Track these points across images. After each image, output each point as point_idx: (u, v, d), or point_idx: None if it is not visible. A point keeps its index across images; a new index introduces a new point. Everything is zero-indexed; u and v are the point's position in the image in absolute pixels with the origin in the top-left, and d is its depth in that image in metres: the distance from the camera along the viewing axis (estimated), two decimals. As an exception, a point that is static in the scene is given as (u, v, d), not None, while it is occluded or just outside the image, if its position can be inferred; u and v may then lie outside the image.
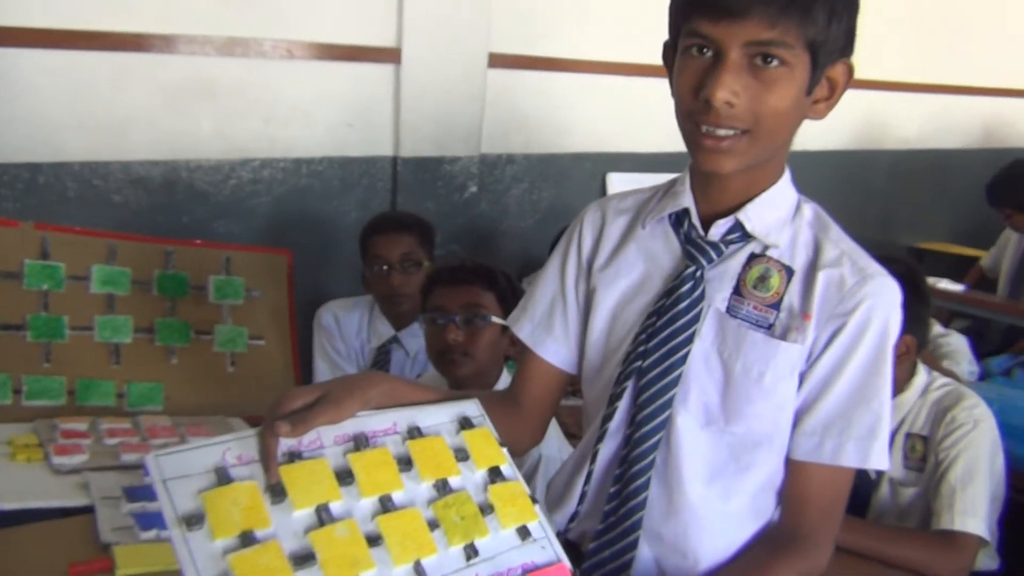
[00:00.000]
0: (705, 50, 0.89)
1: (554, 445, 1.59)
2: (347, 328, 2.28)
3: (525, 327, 1.12)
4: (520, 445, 1.10)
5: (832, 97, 0.94)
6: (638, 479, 1.01)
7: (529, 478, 1.24)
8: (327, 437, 0.87)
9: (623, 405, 1.02)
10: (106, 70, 2.13)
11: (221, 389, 2.12)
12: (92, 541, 1.39)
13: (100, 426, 1.77)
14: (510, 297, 1.66)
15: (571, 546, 1.01)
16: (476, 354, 1.66)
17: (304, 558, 0.78)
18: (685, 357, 0.99)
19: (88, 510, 1.47)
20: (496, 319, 1.67)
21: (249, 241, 2.38)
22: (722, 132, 0.90)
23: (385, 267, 2.14)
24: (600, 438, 1.04)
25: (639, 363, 1.01)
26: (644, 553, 1.02)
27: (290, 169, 2.47)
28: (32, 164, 2.07)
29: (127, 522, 1.42)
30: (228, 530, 0.77)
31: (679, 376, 0.99)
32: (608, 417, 1.03)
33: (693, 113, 0.91)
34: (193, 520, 0.76)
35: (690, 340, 0.99)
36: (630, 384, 1.02)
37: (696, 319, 0.99)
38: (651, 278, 1.03)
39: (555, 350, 1.11)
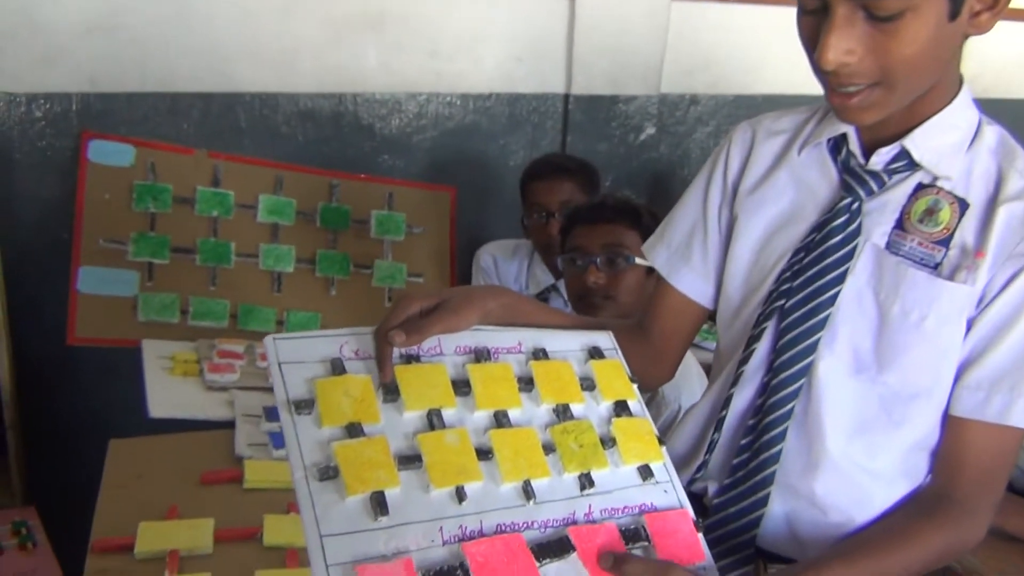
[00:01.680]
0: (814, 3, 0.83)
1: (697, 396, 1.53)
2: (505, 273, 2.31)
3: (660, 254, 1.09)
4: (646, 380, 1.07)
5: (997, 5, 0.83)
6: (773, 429, 0.96)
7: (665, 431, 1.21)
8: (447, 345, 0.87)
9: (762, 348, 0.98)
10: (275, 1, 2.23)
11: (377, 323, 2.22)
12: (228, 453, 1.50)
13: (255, 350, 1.91)
14: (656, 235, 1.62)
15: (695, 500, 0.99)
16: (618, 296, 1.62)
17: (410, 459, 0.79)
18: (835, 297, 0.94)
19: (229, 425, 1.58)
20: (640, 260, 1.61)
21: (413, 177, 2.44)
22: (850, 89, 0.84)
23: (544, 215, 2.12)
24: (734, 382, 1.00)
25: (782, 302, 0.96)
26: (775, 509, 0.98)
27: (457, 104, 2.50)
28: (206, 94, 2.22)
29: (262, 439, 1.53)
30: (336, 419, 0.78)
31: (826, 318, 0.94)
32: (744, 360, 0.99)
33: (817, 70, 0.85)
34: (303, 405, 0.78)
35: (841, 279, 0.93)
36: (770, 325, 0.97)
37: (850, 255, 0.93)
38: (802, 208, 0.98)
39: (691, 280, 1.07)
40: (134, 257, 2.08)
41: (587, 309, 1.64)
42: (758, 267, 1.00)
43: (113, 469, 1.46)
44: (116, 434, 1.57)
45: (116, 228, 2.06)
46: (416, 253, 2.37)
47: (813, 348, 0.94)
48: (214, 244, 2.15)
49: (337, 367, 0.82)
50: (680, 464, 1.02)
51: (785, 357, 0.96)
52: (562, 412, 0.89)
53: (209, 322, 2.09)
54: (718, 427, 1.02)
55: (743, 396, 1.01)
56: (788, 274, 0.96)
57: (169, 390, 1.72)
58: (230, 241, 2.16)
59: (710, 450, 1.03)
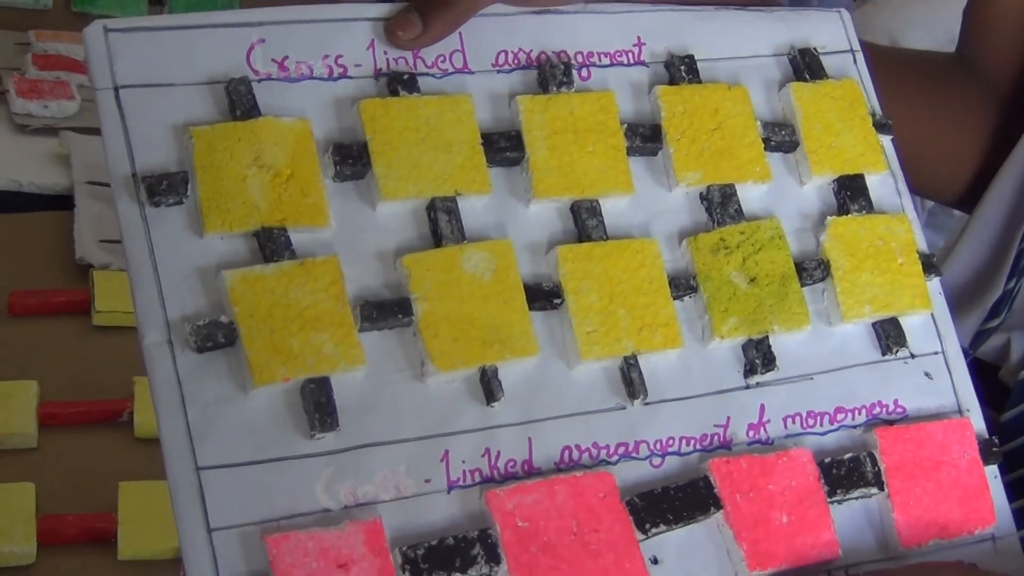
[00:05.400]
0: None
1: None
2: None
3: None
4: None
5: None
6: None
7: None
8: (478, 49, 0.77)
9: None
10: None
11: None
12: (62, 256, 1.46)
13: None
14: None
15: (983, 372, 0.91)
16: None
17: (386, 307, 0.69)
18: None
19: (63, 203, 1.55)
20: None
21: None
22: None
23: None
24: None
25: None
26: None
27: None
28: None
29: (125, 230, 1.53)
30: (235, 217, 0.69)
31: None
32: None
33: None
34: (164, 184, 0.67)
35: None
36: None
37: None
38: None
39: None
40: None
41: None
42: None
43: None
44: None
45: None
46: None
47: None
48: None
49: (241, 99, 0.70)
50: (964, 308, 0.96)
51: None
52: (719, 203, 0.78)
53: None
54: None
55: None
56: None
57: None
58: None
59: (1019, 271, 0.98)
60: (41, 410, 1.20)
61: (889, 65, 0.99)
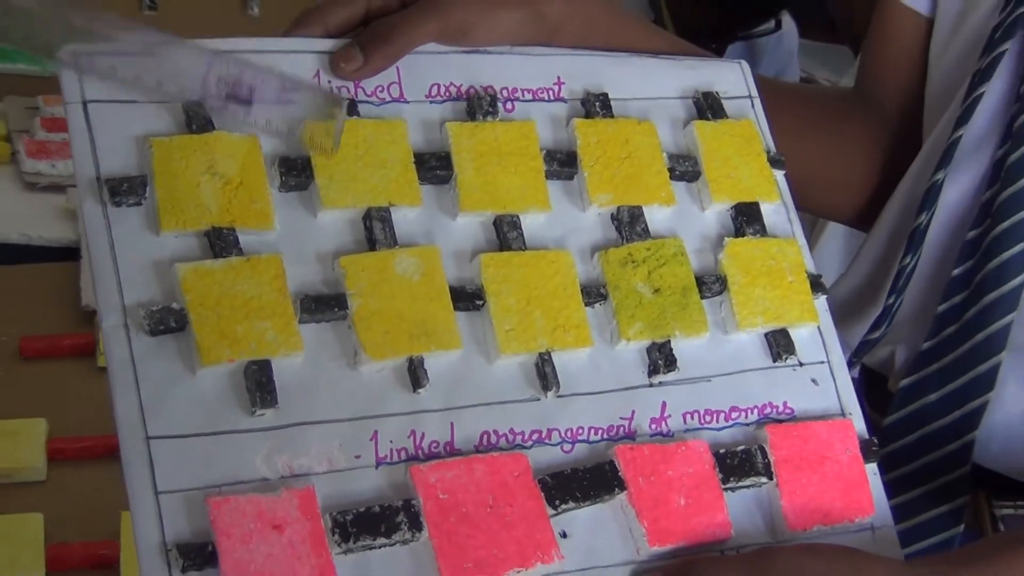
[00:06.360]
0: None
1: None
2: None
3: None
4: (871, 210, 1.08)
5: None
6: (1010, 247, 0.93)
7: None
8: (415, 82, 0.80)
9: (994, 95, 0.97)
10: None
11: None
12: (70, 304, 1.45)
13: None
14: None
15: (874, 381, 0.96)
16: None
17: (323, 301, 0.72)
18: None
19: (71, 254, 1.53)
20: None
21: None
22: None
23: None
24: (944, 161, 0.97)
25: None
26: (1009, 393, 0.95)
27: None
28: None
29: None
30: (189, 217, 0.71)
31: None
32: (963, 119, 0.97)
33: None
34: (125, 187, 0.70)
35: None
36: (1011, 49, 0.95)
37: None
38: None
39: None
40: None
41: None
42: None
43: None
44: None
45: None
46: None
47: None
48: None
49: (196, 116, 0.73)
50: (841, 315, 0.96)
51: None
52: (627, 223, 0.82)
53: (25, 65, 1.99)
54: (912, 244, 0.99)
55: (959, 187, 0.98)
56: None
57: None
58: None
59: (898, 289, 1.00)
60: (50, 445, 1.21)
61: (789, 100, 1.03)
